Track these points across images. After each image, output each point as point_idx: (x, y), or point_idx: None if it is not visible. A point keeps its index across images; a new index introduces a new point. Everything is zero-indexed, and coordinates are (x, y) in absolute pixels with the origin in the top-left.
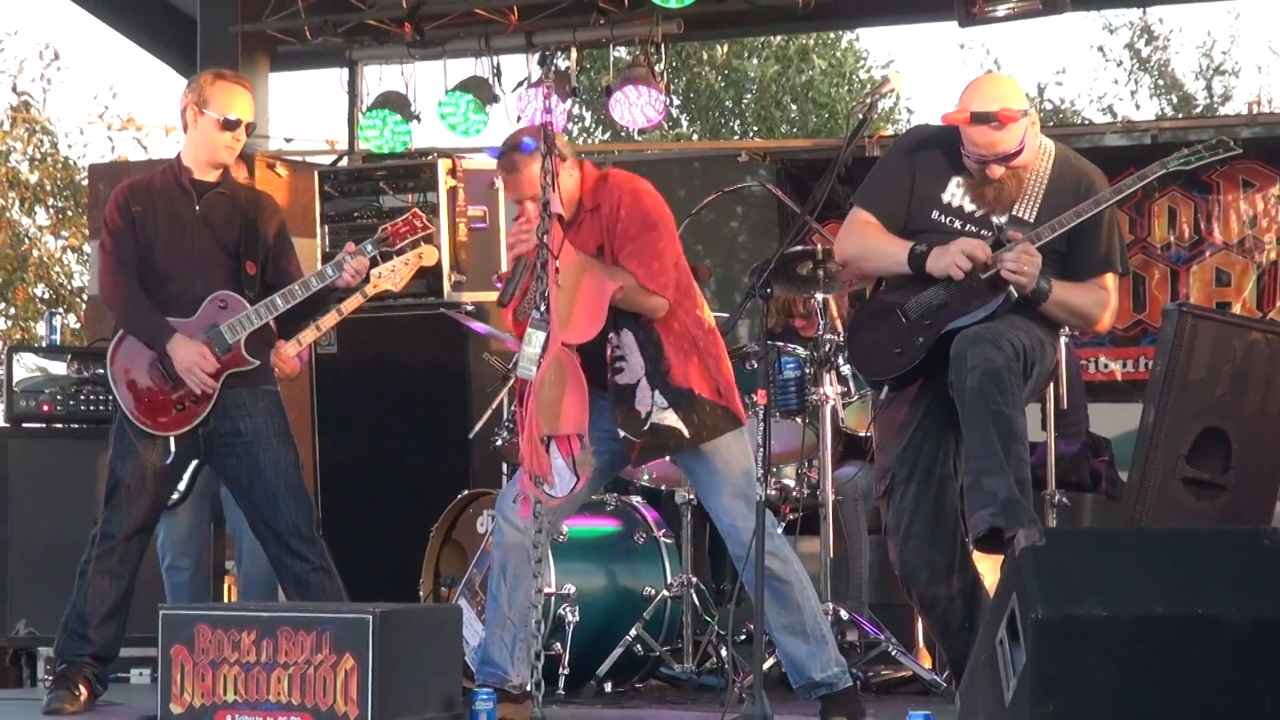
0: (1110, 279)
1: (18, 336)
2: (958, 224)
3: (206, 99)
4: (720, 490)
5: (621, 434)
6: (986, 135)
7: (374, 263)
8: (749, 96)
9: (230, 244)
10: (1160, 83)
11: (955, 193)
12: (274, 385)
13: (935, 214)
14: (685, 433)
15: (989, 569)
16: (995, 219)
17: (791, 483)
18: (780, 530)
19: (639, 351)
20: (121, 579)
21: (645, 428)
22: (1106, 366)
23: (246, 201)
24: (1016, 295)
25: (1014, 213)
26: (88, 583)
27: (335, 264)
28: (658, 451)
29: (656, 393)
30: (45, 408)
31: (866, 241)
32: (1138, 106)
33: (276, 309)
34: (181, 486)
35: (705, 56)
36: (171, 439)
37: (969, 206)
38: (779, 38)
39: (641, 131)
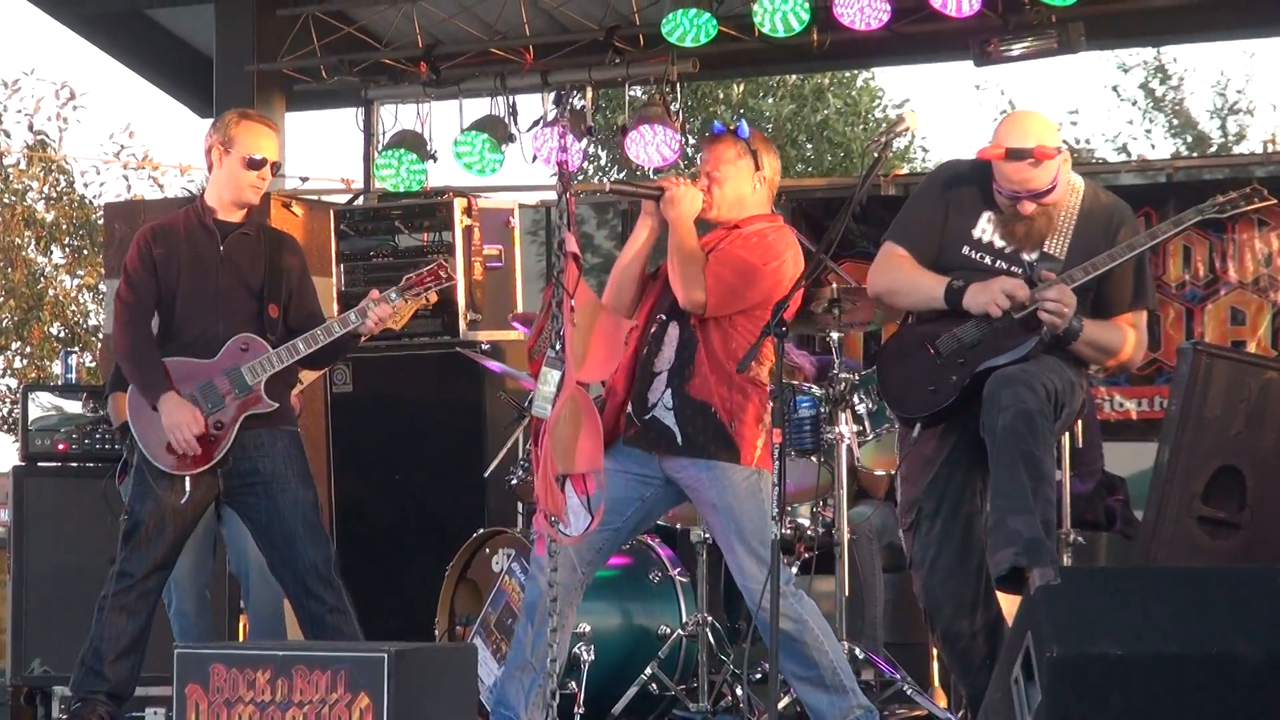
0: (1139, 316)
1: (33, 375)
2: (988, 260)
3: (232, 138)
4: (732, 547)
5: (629, 409)
6: (1021, 172)
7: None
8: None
9: (254, 285)
10: (1175, 122)
11: (986, 228)
12: (294, 426)
13: (966, 249)
14: (678, 440)
15: (1010, 608)
16: (1026, 256)
17: (806, 522)
18: (794, 578)
19: (675, 347)
20: (138, 616)
21: (646, 416)
22: (1122, 405)
23: (270, 242)
24: (1050, 336)
25: (1045, 249)
26: (105, 619)
27: (359, 310)
28: (645, 444)
29: (669, 392)
30: (61, 446)
31: (901, 276)
32: (1152, 146)
33: (298, 353)
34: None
35: (721, 95)
36: (187, 479)
37: (999, 242)
38: (794, 77)
39: (657, 170)
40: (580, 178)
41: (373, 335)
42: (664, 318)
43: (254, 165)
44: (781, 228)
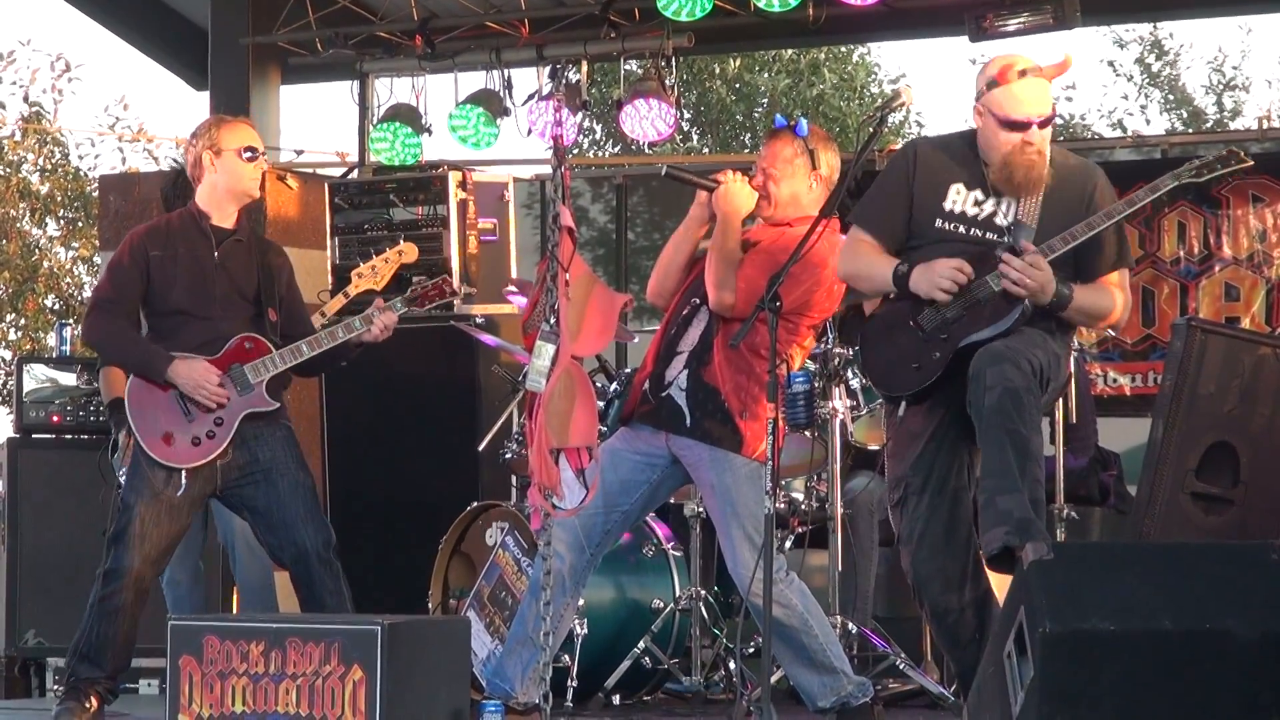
0: (1121, 275)
1: (28, 347)
2: (963, 229)
3: (218, 139)
4: (728, 531)
5: (645, 386)
6: (1037, 90)
7: (354, 264)
8: (760, 110)
9: (249, 291)
10: (1170, 97)
11: (955, 200)
12: (289, 422)
13: (939, 222)
14: (686, 421)
15: (1000, 584)
16: (1001, 221)
17: (800, 496)
18: (785, 565)
19: (700, 330)
20: (133, 617)
21: (662, 393)
22: (1115, 381)
23: (260, 249)
24: (1033, 308)
25: (1018, 216)
26: (98, 620)
27: (364, 318)
28: (656, 420)
29: (685, 373)
30: (55, 418)
31: (859, 262)
32: (1148, 121)
33: (301, 355)
34: None
35: (716, 70)
36: (184, 472)
37: (972, 210)
38: (790, 52)
39: (652, 145)
40: (575, 152)
41: (350, 297)
42: (697, 301)
43: (251, 153)
44: (830, 234)
